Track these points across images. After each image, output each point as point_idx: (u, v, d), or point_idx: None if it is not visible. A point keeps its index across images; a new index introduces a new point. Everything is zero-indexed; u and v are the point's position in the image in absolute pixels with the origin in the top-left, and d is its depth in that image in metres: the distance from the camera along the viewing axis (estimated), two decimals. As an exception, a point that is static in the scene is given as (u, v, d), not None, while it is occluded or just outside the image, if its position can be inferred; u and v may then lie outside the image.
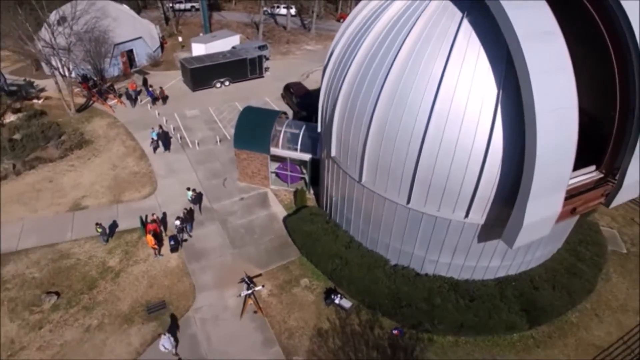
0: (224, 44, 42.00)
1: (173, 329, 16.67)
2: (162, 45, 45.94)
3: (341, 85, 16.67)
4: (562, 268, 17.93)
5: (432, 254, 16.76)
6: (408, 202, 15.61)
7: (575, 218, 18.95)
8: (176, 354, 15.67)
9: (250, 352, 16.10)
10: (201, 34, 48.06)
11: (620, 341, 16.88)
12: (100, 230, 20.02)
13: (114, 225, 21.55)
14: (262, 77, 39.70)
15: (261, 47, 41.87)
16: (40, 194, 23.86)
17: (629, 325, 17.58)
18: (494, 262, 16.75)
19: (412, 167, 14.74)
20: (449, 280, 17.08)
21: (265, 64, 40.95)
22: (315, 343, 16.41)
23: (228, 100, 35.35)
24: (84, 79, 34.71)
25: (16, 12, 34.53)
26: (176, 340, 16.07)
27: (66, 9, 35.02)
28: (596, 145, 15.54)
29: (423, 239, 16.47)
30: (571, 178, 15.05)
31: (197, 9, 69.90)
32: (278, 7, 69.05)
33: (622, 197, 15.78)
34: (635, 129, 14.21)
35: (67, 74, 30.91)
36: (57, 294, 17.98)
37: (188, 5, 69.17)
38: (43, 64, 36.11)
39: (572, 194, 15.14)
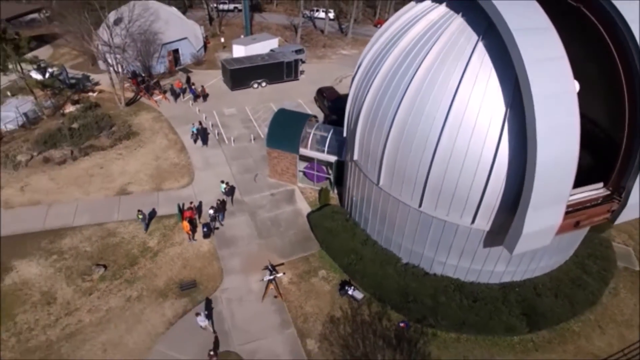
0: (263, 46, 44.27)
1: (209, 309, 18.59)
2: (205, 45, 48.80)
3: (366, 95, 18.24)
4: (567, 279, 18.76)
5: (441, 256, 18.05)
6: (420, 205, 16.99)
7: (583, 232, 19.78)
8: (213, 331, 17.60)
9: (268, 331, 17.92)
10: (242, 36, 50.59)
11: (620, 353, 17.58)
12: (141, 217, 22.35)
13: (153, 212, 23.84)
14: (297, 79, 41.63)
15: (298, 51, 43.86)
16: (92, 178, 26.68)
17: (631, 340, 18.20)
18: (498, 267, 17.84)
19: (424, 173, 16.12)
20: (455, 281, 18.30)
21: (301, 67, 42.91)
22: (327, 328, 18.04)
23: (264, 100, 37.49)
24: (134, 75, 37.74)
25: (80, 11, 38.11)
26: (211, 318, 17.97)
27: (123, 10, 38.26)
28: (609, 162, 16.35)
29: (432, 241, 17.79)
30: (577, 193, 16.11)
31: (240, 10, 72.82)
32: (317, 10, 70.95)
33: (626, 215, 16.53)
34: (638, 156, 15.01)
35: (120, 70, 33.92)
36: (105, 266, 20.46)
37: (231, 6, 72.08)
38: (99, 60, 39.53)
39: (576, 208, 16.09)
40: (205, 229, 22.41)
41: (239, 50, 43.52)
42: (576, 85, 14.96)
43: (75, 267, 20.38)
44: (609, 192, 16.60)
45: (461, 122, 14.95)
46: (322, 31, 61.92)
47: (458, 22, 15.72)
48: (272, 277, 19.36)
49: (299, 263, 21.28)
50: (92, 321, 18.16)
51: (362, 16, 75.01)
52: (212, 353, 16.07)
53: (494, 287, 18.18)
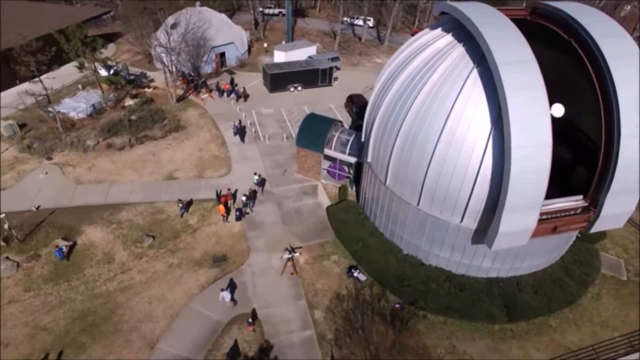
0: (302, 53, 47.87)
1: (232, 286, 22.06)
2: (249, 49, 53.04)
3: (380, 107, 21.32)
4: (549, 279, 21.07)
5: (435, 249, 20.87)
6: (418, 204, 19.90)
7: (569, 240, 22.01)
8: (234, 302, 21.07)
9: (283, 301, 21.35)
10: (284, 42, 54.46)
11: (590, 348, 19.75)
12: (180, 205, 26.12)
13: (191, 201, 27.46)
14: (331, 85, 44.90)
15: (333, 59, 47.18)
16: (145, 163, 31.12)
17: (603, 338, 20.31)
18: (485, 263, 20.45)
19: (422, 177, 19.03)
20: (447, 272, 21.07)
21: (336, 74, 46.19)
22: (333, 303, 21.23)
23: (298, 103, 41.04)
24: (184, 75, 42.28)
25: (141, 15, 43.20)
26: (232, 292, 21.45)
27: (179, 16, 42.96)
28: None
29: (428, 236, 20.64)
30: (556, 202, 18.57)
31: (284, 15, 77.08)
32: (357, 18, 73.75)
33: (600, 225, 18.79)
34: (611, 172, 17.27)
35: (173, 70, 38.42)
36: (153, 237, 24.57)
37: (276, 11, 76.27)
38: (155, 60, 44.42)
39: (555, 215, 18.53)
40: (237, 213, 26.17)
41: (279, 56, 47.34)
42: (560, 109, 17.57)
43: (130, 236, 24.63)
44: (587, 204, 18.89)
45: (454, 135, 17.76)
46: (360, 39, 64.79)
47: (459, 50, 18.52)
48: (290, 256, 22.79)
49: (315, 248, 24.59)
50: (141, 280, 22.23)
51: (400, 24, 77.17)
52: (250, 321, 19.44)
53: (480, 280, 20.79)
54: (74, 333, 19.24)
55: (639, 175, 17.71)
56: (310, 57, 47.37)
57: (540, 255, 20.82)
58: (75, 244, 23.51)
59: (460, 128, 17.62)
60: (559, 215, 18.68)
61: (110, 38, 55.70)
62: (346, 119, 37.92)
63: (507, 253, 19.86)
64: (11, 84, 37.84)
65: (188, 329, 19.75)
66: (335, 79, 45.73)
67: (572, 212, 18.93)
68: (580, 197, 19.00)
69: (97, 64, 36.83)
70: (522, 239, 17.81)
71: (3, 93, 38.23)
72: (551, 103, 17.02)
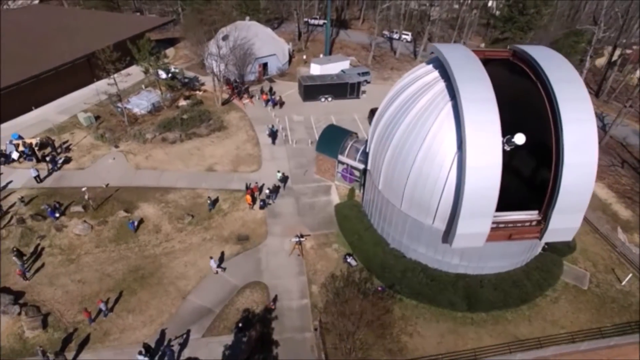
0: (336, 67, 53.03)
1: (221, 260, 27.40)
2: (290, 59, 58.86)
3: (379, 124, 26.11)
4: (510, 279, 24.98)
5: (414, 245, 25.37)
6: (400, 206, 24.52)
7: (533, 249, 25.75)
8: (221, 269, 26.30)
9: (288, 275, 26.58)
10: (321, 55, 59.80)
11: (536, 339, 23.52)
12: (209, 202, 31.65)
13: (216, 200, 33.08)
14: (359, 98, 49.71)
15: (364, 74, 52.04)
16: (191, 156, 37.42)
17: (550, 333, 23.99)
18: (454, 260, 24.70)
19: (404, 185, 23.64)
20: (422, 265, 25.48)
21: (365, 87, 51.01)
22: (327, 281, 26.13)
23: (327, 112, 46.22)
24: (229, 81, 48.60)
25: (198, 26, 49.98)
26: (220, 262, 26.76)
27: (230, 29, 49.41)
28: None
29: (408, 233, 25.18)
30: (512, 215, 22.64)
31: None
32: (396, 32, 77.59)
33: (550, 237, 22.67)
34: (556, 193, 21.14)
35: (221, 77, 44.72)
36: (192, 216, 30.57)
37: (321, 22, 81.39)
38: (206, 66, 51.10)
39: (510, 225, 22.59)
40: (261, 203, 31.74)
41: (315, 69, 52.76)
42: (522, 138, 21.75)
43: (174, 213, 30.81)
44: (539, 218, 22.77)
45: (429, 153, 22.26)
46: (395, 53, 68.89)
47: (441, 85, 22.99)
48: (299, 241, 27.98)
49: (321, 236, 29.65)
50: (180, 248, 28.22)
51: (438, 39, 79.97)
52: (272, 303, 24.69)
53: (450, 274, 25.05)
54: (129, 281, 25.47)
55: (583, 199, 21.52)
56: (343, 70, 52.42)
57: (503, 258, 24.77)
58: (142, 220, 29.72)
59: (434, 148, 22.10)
60: (514, 225, 22.73)
61: (170, 42, 63.50)
62: (367, 130, 42.60)
63: (472, 253, 24.02)
64: (90, 82, 45.52)
65: (211, 288, 25.46)
66: (364, 92, 50.47)
67: (526, 224, 22.90)
68: (536, 212, 22.90)
69: (158, 70, 43.71)
70: (478, 241, 22.03)
71: (83, 90, 46.08)
72: (518, 131, 21.37)
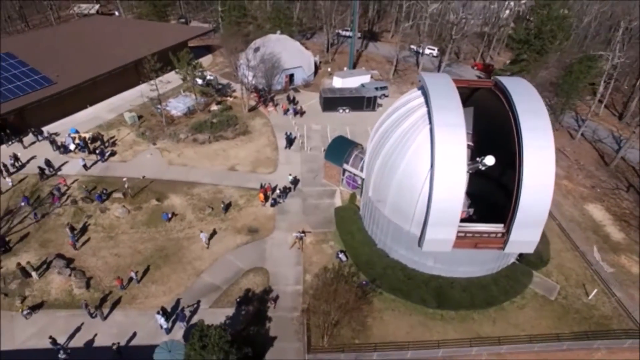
0: (357, 80, 57.06)
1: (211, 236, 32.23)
2: (316, 71, 63.37)
3: (373, 139, 30.09)
4: (479, 284, 28.29)
5: (395, 246, 29.16)
6: (385, 212, 28.40)
7: (503, 259, 28.91)
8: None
9: (287, 265, 30.95)
10: (345, 68, 64.00)
11: (496, 338, 26.71)
12: (222, 206, 35.79)
13: (229, 204, 37.66)
14: (374, 111, 53.41)
15: (381, 88, 55.78)
16: (216, 156, 42.58)
17: (511, 334, 27.10)
18: (429, 263, 28.31)
19: (388, 193, 27.53)
20: (402, 265, 29.24)
21: (382, 100, 54.75)
22: (320, 272, 30.04)
23: (343, 123, 50.33)
24: (256, 89, 53.61)
25: (234, 37, 55.24)
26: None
27: (263, 41, 54.55)
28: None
29: (391, 236, 29.01)
30: (479, 226, 26.10)
31: (359, 37, 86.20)
32: (423, 46, 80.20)
33: (512, 248, 25.97)
34: (516, 210, 24.44)
35: (249, 85, 49.75)
36: (212, 208, 35.53)
37: (351, 33, 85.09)
38: (239, 74, 56.41)
39: (476, 235, 26.03)
40: (272, 201, 36.31)
41: (337, 81, 57.01)
42: (491, 159, 25.26)
43: (197, 205, 35.93)
44: (504, 231, 26.08)
45: (408, 168, 26.07)
46: (418, 67, 71.82)
47: (423, 111, 26.74)
48: (300, 236, 32.30)
49: (320, 234, 33.85)
50: (199, 235, 33.19)
51: (465, 56, 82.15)
52: (273, 302, 29.06)
53: (425, 275, 28.67)
54: (155, 258, 30.67)
55: (540, 216, 24.72)
56: (362, 84, 56.37)
57: (472, 264, 28.12)
58: (175, 214, 34.81)
59: (413, 164, 25.89)
60: (480, 235, 26.15)
61: (209, 49, 69.53)
62: (376, 141, 46.40)
63: (444, 257, 27.55)
64: (137, 84, 51.74)
65: (222, 269, 30.25)
66: (380, 105, 54.17)
67: (492, 235, 26.27)
68: (502, 225, 26.22)
69: (197, 76, 49.33)
70: (446, 247, 25.66)
71: (130, 91, 52.43)
72: (494, 152, 24.90)
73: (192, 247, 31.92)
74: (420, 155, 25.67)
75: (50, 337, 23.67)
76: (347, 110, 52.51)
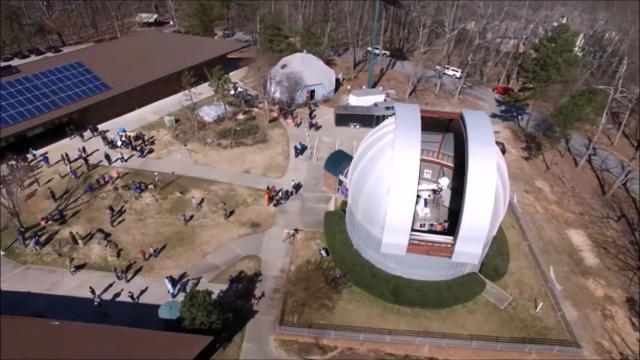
0: (371, 99, 62.48)
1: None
2: (338, 87, 69.39)
3: (357, 153, 35.78)
4: (432, 287, 33.16)
5: (365, 248, 34.63)
6: (358, 217, 33.98)
7: (458, 267, 33.56)
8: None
9: (278, 255, 37.12)
10: (364, 87, 69.61)
11: (441, 333, 31.45)
12: (224, 212, 42.49)
13: (232, 211, 44.68)
14: (384, 127, 58.71)
15: (392, 108, 60.82)
16: (235, 160, 49.63)
17: (455, 332, 31.73)
18: (391, 264, 33.54)
19: (360, 201, 33.11)
20: (370, 264, 34.62)
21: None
22: (303, 264, 36.07)
23: (351, 138, 55.97)
24: (279, 102, 60.35)
25: (266, 53, 62.42)
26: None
27: (289, 59, 61.44)
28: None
29: (362, 238, 34.50)
30: (430, 236, 31.15)
31: (388, 56, 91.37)
32: (447, 68, 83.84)
33: (457, 258, 30.74)
34: (459, 227, 29.33)
35: (271, 98, 56.56)
36: (224, 203, 42.44)
37: (380, 52, 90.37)
38: (265, 88, 63.57)
39: (428, 244, 31.09)
40: (275, 202, 42.73)
41: (353, 99, 62.76)
42: (446, 181, 30.44)
43: (212, 200, 42.99)
44: (453, 242, 30.93)
45: (375, 182, 31.54)
46: (437, 87, 75.53)
47: (391, 137, 32.12)
48: (292, 233, 38.46)
49: (309, 233, 39.79)
50: (211, 224, 40.13)
51: (488, 79, 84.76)
52: (258, 297, 35.57)
53: (387, 274, 33.90)
54: (172, 239, 37.89)
55: (480, 234, 29.43)
56: (375, 103, 61.75)
57: (427, 269, 33.00)
58: (192, 216, 41.69)
59: (379, 179, 31.28)
60: (432, 244, 31.17)
61: (246, 61, 77.26)
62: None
63: (403, 261, 32.67)
64: (178, 91, 59.91)
65: (224, 253, 36.94)
66: (389, 123, 59.29)
67: (442, 245, 31.20)
68: (451, 237, 31.11)
69: (226, 89, 56.91)
70: (400, 251, 30.90)
71: (172, 97, 60.81)
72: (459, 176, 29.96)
73: (203, 234, 38.92)
74: (385, 172, 31.00)
75: (90, 288, 31.29)
76: (357, 126, 58.10)
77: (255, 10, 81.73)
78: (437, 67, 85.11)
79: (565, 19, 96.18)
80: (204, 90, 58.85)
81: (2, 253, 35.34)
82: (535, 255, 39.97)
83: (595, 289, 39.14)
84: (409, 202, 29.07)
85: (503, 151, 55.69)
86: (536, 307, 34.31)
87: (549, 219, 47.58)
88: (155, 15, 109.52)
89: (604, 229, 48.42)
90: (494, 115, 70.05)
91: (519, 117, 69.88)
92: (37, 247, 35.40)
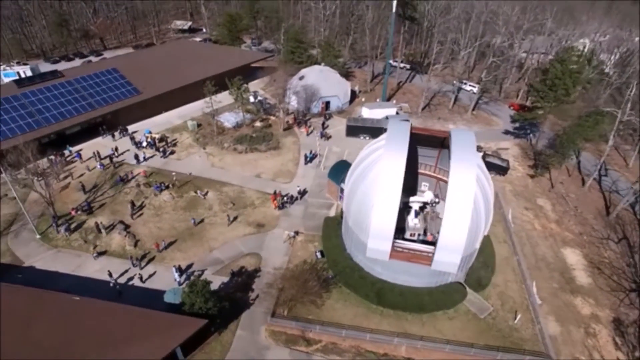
0: (382, 112, 65.18)
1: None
2: (354, 98, 72.45)
3: (352, 166, 38.84)
4: (414, 292, 35.62)
5: (356, 252, 37.54)
6: (350, 223, 36.95)
7: (442, 276, 35.91)
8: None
9: (278, 254, 40.48)
10: (378, 99, 72.40)
11: (419, 335, 33.90)
12: (228, 219, 46.33)
13: (235, 217, 48.41)
14: (393, 140, 61.31)
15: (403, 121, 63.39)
16: (247, 164, 53.51)
17: (433, 335, 34.10)
18: (377, 269, 36.28)
19: (352, 209, 36.10)
20: (359, 267, 37.43)
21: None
22: (300, 263, 39.32)
23: (359, 148, 57.15)
24: (294, 112, 63.95)
25: (287, 65, 66.35)
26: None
27: (307, 71, 65.12)
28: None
29: (355, 244, 37.42)
30: (412, 244, 33.79)
31: (408, 69, 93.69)
32: (465, 83, 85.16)
33: (437, 266, 33.15)
34: (439, 237, 31.87)
35: (286, 108, 60.27)
36: (233, 204, 46.28)
37: (401, 65, 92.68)
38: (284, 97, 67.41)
39: (410, 252, 33.73)
40: (280, 205, 46.22)
41: (365, 112, 65.67)
42: (430, 195, 33.14)
43: (223, 200, 46.93)
44: (433, 252, 33.42)
45: (366, 191, 34.46)
46: (454, 102, 77.11)
47: (380, 151, 34.97)
48: (293, 234, 41.82)
49: (309, 236, 43.00)
50: (219, 222, 43.96)
51: (508, 94, 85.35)
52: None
53: (374, 278, 36.62)
54: (184, 234, 41.97)
55: (458, 244, 31.84)
56: (386, 117, 64.39)
57: (410, 275, 35.46)
58: (203, 220, 45.85)
59: (369, 189, 34.15)
60: (414, 252, 33.79)
61: (267, 70, 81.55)
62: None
63: (388, 267, 35.34)
64: (202, 97, 64.64)
65: (229, 250, 40.66)
66: (399, 136, 61.81)
67: (424, 253, 33.75)
68: (433, 247, 33.61)
69: (244, 98, 61.08)
70: (383, 256, 33.66)
71: (196, 102, 65.45)
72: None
73: (212, 230, 42.84)
74: (374, 183, 33.92)
75: (108, 271, 35.69)
76: (367, 138, 60.87)
77: (281, 22, 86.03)
78: (454, 82, 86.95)
79: (585, 38, 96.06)
80: (226, 98, 63.21)
81: (38, 236, 40.35)
82: (522, 270, 41.63)
83: (583, 307, 40.45)
84: (392, 211, 31.82)
85: (507, 168, 57.29)
86: (515, 319, 36.15)
87: (545, 236, 48.88)
88: (190, 23, 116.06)
89: (602, 249, 49.25)
90: (506, 132, 71.40)
91: (532, 134, 70.72)
92: (67, 234, 40.24)
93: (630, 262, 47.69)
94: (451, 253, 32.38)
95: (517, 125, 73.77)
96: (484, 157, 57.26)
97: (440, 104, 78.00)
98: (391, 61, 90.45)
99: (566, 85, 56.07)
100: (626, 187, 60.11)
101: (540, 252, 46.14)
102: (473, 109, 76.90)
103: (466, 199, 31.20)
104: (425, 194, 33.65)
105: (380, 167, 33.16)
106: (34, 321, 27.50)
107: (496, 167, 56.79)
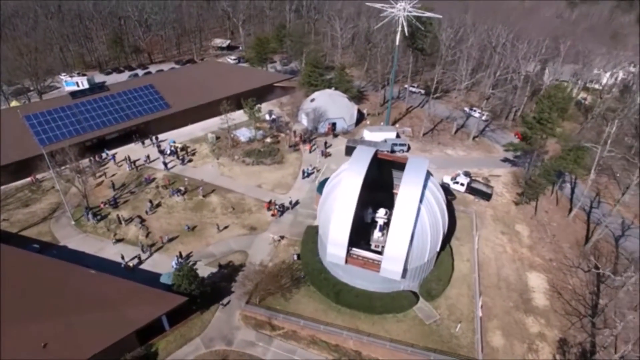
0: (382, 135, 71.23)
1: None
2: (360, 120, 78.90)
3: (327, 181, 45.58)
4: (369, 296, 41.46)
5: (324, 256, 43.95)
6: (320, 231, 43.56)
7: (397, 285, 41.65)
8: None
9: (263, 253, 47.62)
10: (382, 123, 78.43)
11: (367, 332, 39.72)
12: (218, 229, 54.14)
13: (227, 226, 56.03)
14: (388, 161, 67.19)
15: (400, 144, 69.23)
16: (252, 175, 61.32)
17: (380, 333, 39.82)
18: (340, 273, 42.51)
19: (321, 219, 42.72)
20: (326, 270, 43.77)
21: (400, 154, 68.16)
22: (279, 262, 46.26)
23: (357, 167, 65.18)
24: (300, 131, 71.29)
25: (303, 86, 74.00)
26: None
27: (318, 94, 72.64)
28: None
29: (323, 250, 43.90)
30: (366, 253, 39.99)
31: (422, 94, 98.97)
32: (474, 110, 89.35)
33: (384, 273, 39.03)
34: (385, 250, 37.89)
35: (293, 126, 67.77)
36: (233, 208, 54.08)
37: (416, 89, 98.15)
38: (297, 117, 75.05)
39: (364, 259, 39.90)
40: (272, 212, 53.49)
41: (366, 134, 71.97)
42: (381, 212, 39.43)
43: (225, 204, 54.86)
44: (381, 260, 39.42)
45: (332, 203, 41.04)
46: (457, 130, 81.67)
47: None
48: (279, 238, 48.95)
49: (292, 240, 49.88)
50: (219, 223, 51.77)
51: (513, 125, 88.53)
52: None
53: (336, 280, 42.77)
54: (187, 230, 50.14)
55: (399, 255, 37.70)
56: (385, 140, 70.43)
57: (365, 281, 41.43)
58: (196, 226, 54.31)
59: (333, 203, 40.79)
60: (367, 259, 39.91)
61: (288, 90, 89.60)
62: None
63: (347, 271, 41.55)
64: (221, 113, 73.41)
65: (222, 246, 48.34)
66: (394, 158, 67.60)
67: (375, 261, 39.79)
68: (381, 256, 39.58)
69: (257, 117, 69.22)
70: (340, 261, 40.01)
71: (215, 118, 74.30)
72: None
73: (212, 229, 50.76)
74: (336, 198, 40.45)
75: (121, 255, 44.39)
76: (365, 158, 67.18)
77: (303, 46, 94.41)
78: (466, 108, 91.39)
79: (601, 71, 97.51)
80: (244, 114, 71.90)
81: (73, 223, 49.93)
82: (476, 286, 46.32)
83: (532, 326, 44.52)
84: (347, 222, 38.20)
85: (490, 194, 61.61)
86: (456, 328, 41.13)
87: (514, 260, 52.87)
88: (229, 41, 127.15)
89: (568, 276, 52.51)
90: (505, 160, 74.97)
91: (528, 163, 73.95)
92: (95, 222, 49.53)
93: (593, 291, 50.74)
94: (395, 262, 38.23)
95: (518, 153, 77.03)
96: (469, 183, 61.95)
97: (444, 130, 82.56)
98: (407, 86, 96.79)
99: (551, 119, 59.89)
100: (616, 220, 62.27)
101: (504, 273, 50.29)
102: (477, 136, 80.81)
103: (408, 216, 37.12)
104: (379, 211, 39.77)
105: (341, 185, 39.78)
106: (59, 288, 36.27)
107: (480, 193, 61.36)
